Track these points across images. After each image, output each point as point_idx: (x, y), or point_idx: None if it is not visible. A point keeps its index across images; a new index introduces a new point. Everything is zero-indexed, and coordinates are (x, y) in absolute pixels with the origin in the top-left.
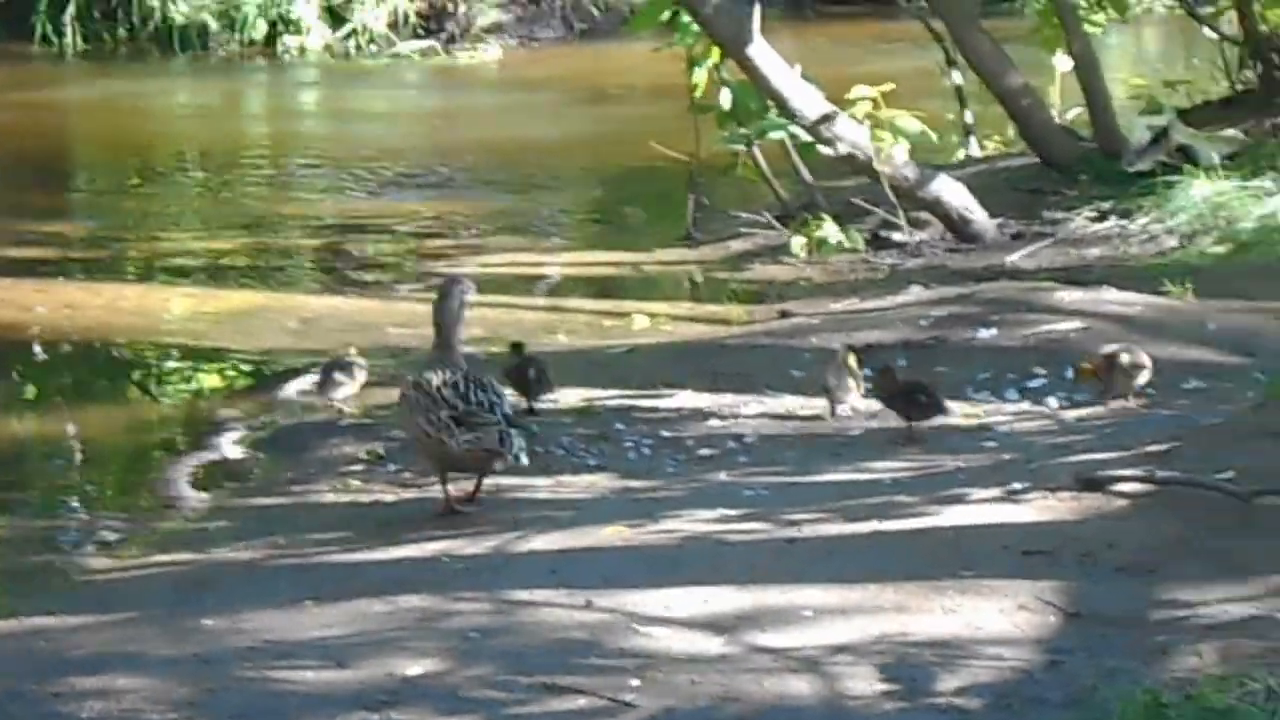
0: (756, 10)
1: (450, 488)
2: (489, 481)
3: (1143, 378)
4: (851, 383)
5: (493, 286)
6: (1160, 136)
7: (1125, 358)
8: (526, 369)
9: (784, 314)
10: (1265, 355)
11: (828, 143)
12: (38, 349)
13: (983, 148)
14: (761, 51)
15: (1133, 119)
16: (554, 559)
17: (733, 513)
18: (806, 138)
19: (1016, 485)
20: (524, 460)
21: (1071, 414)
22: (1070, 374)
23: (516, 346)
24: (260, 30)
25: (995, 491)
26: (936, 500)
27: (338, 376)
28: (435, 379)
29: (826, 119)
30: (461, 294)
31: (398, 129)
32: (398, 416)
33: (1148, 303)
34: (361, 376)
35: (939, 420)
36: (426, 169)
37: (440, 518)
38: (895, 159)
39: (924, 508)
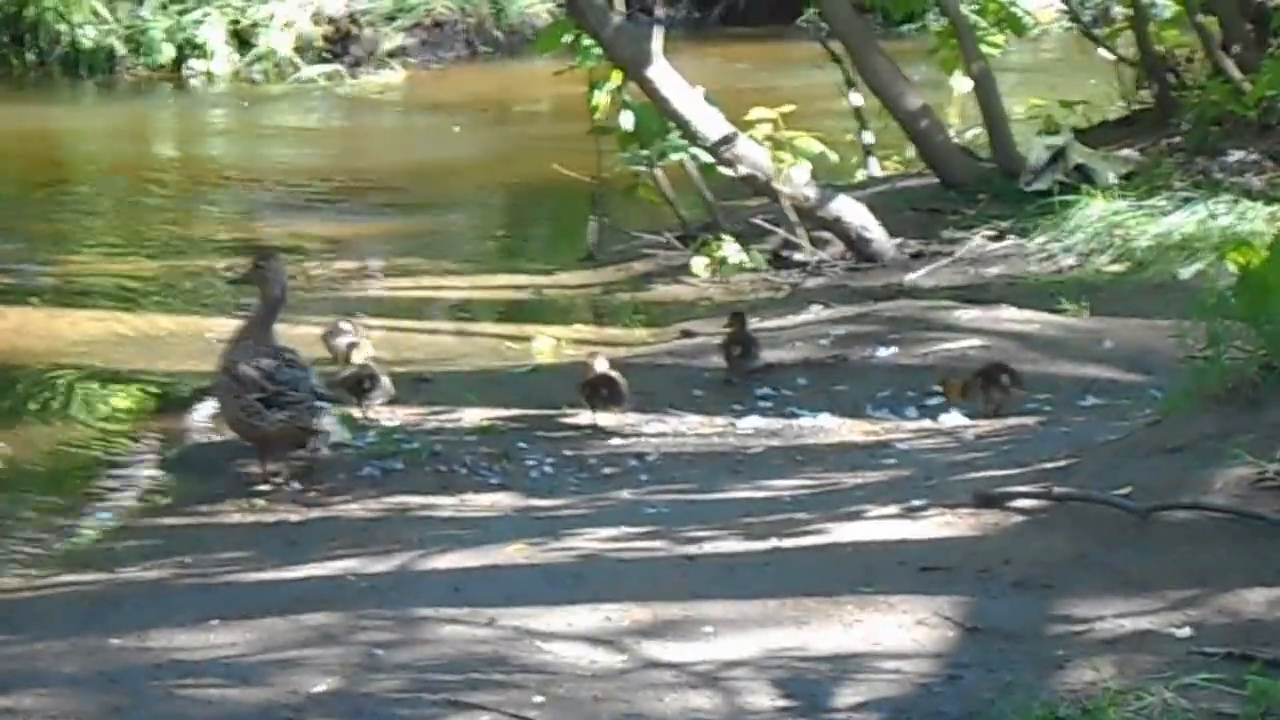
0: (658, 32)
1: (274, 466)
2: (394, 500)
3: (1018, 392)
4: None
5: (397, 308)
6: (1058, 156)
7: (1003, 377)
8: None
9: (686, 334)
10: (1161, 372)
11: (728, 164)
12: None
13: (882, 168)
14: (662, 73)
15: (1030, 139)
16: (457, 577)
17: (634, 530)
18: (707, 159)
19: (915, 502)
20: (338, 435)
21: (970, 431)
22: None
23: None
24: (167, 55)
25: (894, 508)
26: (836, 517)
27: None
28: (244, 362)
29: (727, 140)
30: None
31: (303, 152)
32: (217, 401)
33: (1045, 320)
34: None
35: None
36: (332, 191)
37: (343, 535)
38: (795, 179)
39: (823, 524)
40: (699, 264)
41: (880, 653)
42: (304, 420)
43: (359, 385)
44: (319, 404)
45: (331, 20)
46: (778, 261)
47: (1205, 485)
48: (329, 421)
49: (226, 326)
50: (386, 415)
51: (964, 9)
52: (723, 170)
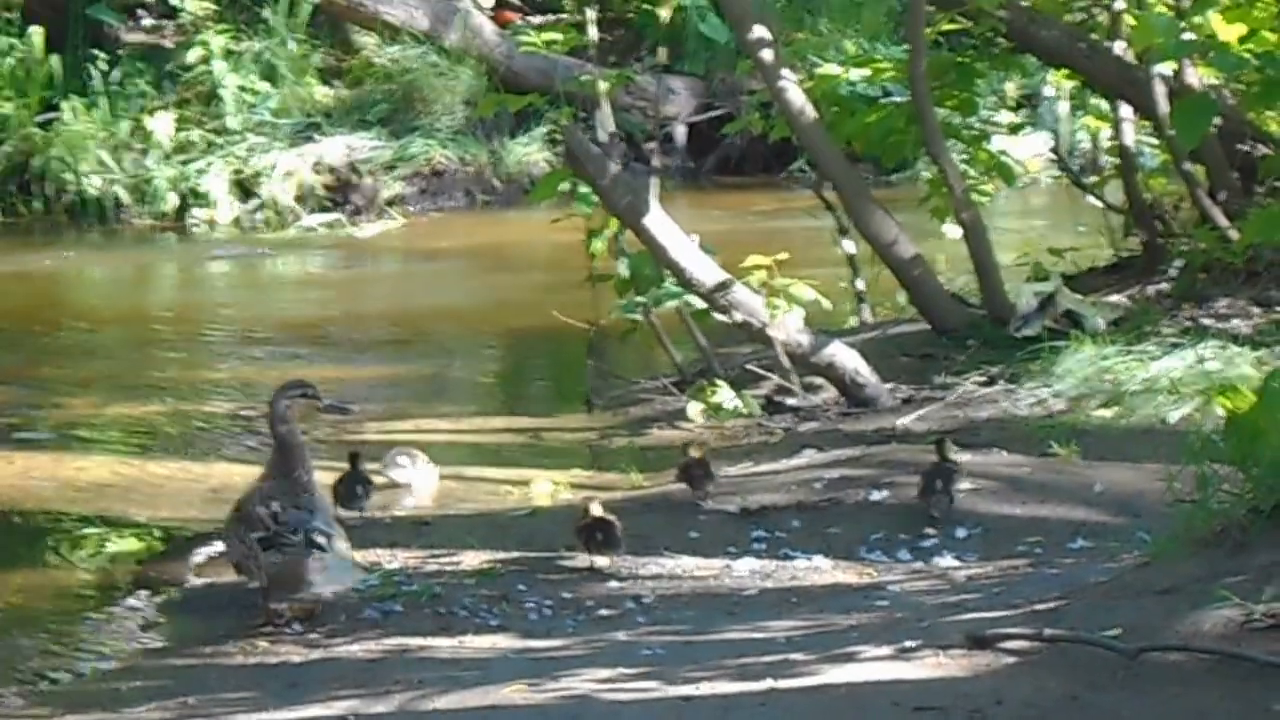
0: (654, 181)
1: (276, 607)
2: (394, 641)
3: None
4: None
5: None
6: (1047, 303)
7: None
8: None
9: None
10: (1150, 515)
11: (723, 310)
12: None
13: (874, 314)
14: (658, 221)
15: (1020, 285)
16: (457, 717)
17: (631, 671)
18: (702, 305)
19: (908, 643)
20: (323, 591)
21: (962, 573)
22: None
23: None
24: (171, 203)
25: (887, 649)
26: (830, 658)
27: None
28: (257, 501)
29: (722, 287)
30: (287, 397)
31: (305, 299)
32: (225, 540)
33: (1036, 464)
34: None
35: None
36: (333, 337)
37: (343, 675)
38: (789, 326)
39: (818, 665)
40: (694, 409)
41: None
42: (297, 566)
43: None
44: (312, 550)
45: (332, 169)
46: (772, 406)
47: (1194, 627)
48: (317, 566)
49: (228, 472)
50: (387, 558)
51: (954, 158)
52: (717, 316)
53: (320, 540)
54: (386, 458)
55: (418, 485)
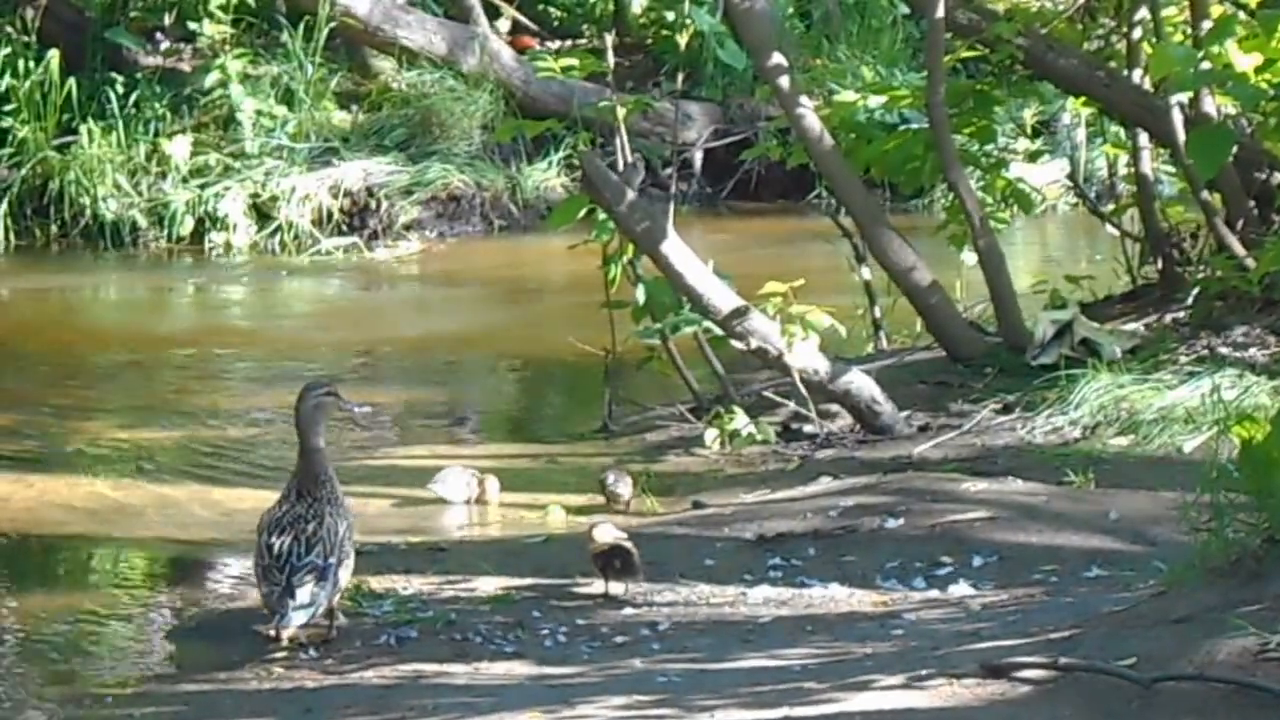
0: (670, 207)
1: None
2: (409, 667)
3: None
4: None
5: (412, 478)
6: (1064, 331)
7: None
8: None
9: (697, 505)
10: (1165, 544)
11: (739, 337)
12: None
13: (891, 341)
14: (675, 248)
15: (1037, 313)
16: None
17: (646, 699)
18: (719, 331)
19: (923, 672)
20: (288, 628)
21: (977, 602)
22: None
23: None
24: (188, 227)
25: (902, 678)
26: (845, 686)
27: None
28: (265, 529)
29: (738, 314)
30: (315, 396)
31: (321, 323)
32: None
33: (1051, 492)
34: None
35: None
36: (349, 362)
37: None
38: (805, 353)
39: (833, 694)
40: (710, 436)
41: None
42: (272, 602)
43: None
44: (290, 590)
45: (349, 193)
46: (787, 434)
47: (1209, 656)
48: (290, 609)
49: (242, 497)
50: (402, 584)
51: (971, 185)
52: (734, 343)
53: (301, 582)
54: (438, 476)
55: (473, 501)
